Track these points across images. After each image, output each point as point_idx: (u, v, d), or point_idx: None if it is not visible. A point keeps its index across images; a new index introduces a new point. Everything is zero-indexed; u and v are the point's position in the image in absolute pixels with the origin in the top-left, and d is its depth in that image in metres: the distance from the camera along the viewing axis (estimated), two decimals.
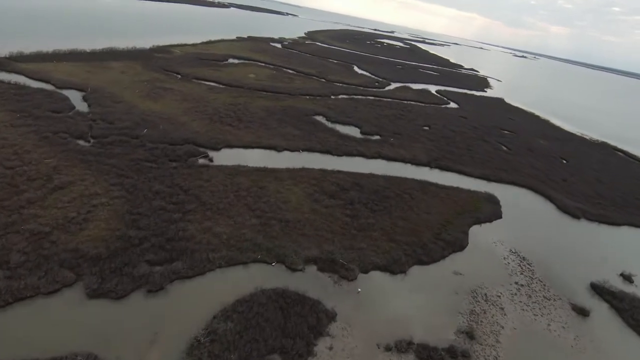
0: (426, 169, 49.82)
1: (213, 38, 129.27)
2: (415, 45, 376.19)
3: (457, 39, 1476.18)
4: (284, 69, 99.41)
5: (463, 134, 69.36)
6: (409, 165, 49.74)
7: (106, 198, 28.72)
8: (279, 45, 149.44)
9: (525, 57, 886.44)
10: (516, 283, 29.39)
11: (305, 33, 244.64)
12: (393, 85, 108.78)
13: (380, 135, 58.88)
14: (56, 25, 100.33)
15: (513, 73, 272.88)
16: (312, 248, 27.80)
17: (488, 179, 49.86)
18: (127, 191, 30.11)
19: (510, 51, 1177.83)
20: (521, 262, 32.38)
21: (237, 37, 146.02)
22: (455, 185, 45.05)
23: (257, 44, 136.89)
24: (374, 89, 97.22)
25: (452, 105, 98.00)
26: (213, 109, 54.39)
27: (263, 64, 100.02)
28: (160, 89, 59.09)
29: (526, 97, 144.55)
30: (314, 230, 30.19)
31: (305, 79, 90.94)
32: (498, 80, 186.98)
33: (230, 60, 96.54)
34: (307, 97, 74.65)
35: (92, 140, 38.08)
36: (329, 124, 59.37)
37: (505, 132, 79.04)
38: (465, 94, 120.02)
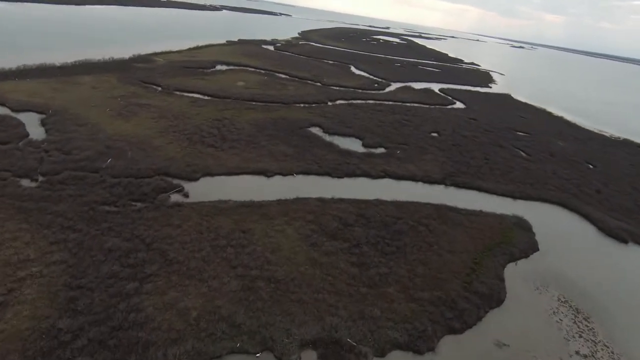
0: (441, 187, 43.13)
1: (201, 43, 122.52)
2: (412, 41, 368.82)
3: (453, 32, 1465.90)
4: (276, 74, 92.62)
5: (475, 139, 62.62)
6: (420, 184, 43.05)
7: (40, 266, 22.09)
8: (271, 48, 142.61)
9: (522, 47, 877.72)
10: (577, 353, 22.74)
11: (299, 33, 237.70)
12: (394, 86, 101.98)
13: (385, 148, 52.18)
14: (26, 36, 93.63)
15: (514, 65, 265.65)
16: (309, 323, 21.15)
17: (513, 196, 43.14)
18: (70, 252, 23.48)
19: (506, 42, 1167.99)
20: (576, 316, 25.71)
21: (227, 41, 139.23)
22: (477, 208, 38.34)
23: (247, 48, 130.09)
24: (374, 92, 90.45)
25: (459, 105, 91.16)
26: (194, 127, 47.74)
27: (253, 69, 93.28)
28: (135, 105, 52.43)
29: (533, 92, 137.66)
30: (312, 292, 23.54)
31: (299, 84, 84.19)
32: (501, 74, 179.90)
33: (218, 67, 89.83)
34: (302, 105, 67.91)
35: (40, 179, 31.43)
36: (327, 137, 52.70)
37: (520, 133, 72.22)
38: (470, 91, 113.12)
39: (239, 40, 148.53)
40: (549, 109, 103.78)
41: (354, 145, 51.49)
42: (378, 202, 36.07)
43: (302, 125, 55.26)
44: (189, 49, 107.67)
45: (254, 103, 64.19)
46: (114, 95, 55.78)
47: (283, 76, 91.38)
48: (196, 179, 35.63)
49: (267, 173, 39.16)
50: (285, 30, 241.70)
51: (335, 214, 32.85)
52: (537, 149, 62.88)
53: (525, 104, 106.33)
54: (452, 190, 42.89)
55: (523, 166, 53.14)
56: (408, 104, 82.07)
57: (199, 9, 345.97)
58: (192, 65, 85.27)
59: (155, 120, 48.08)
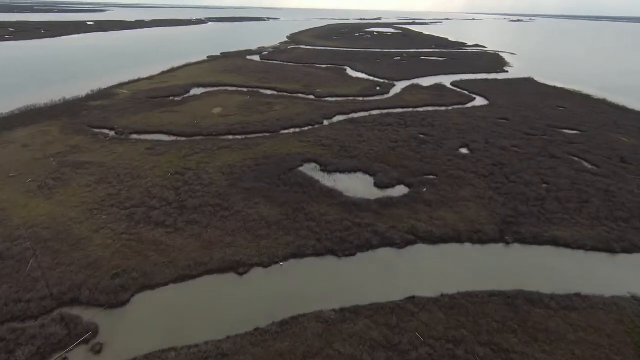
0: (500, 247, 29.54)
1: (179, 63, 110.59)
2: (407, 29, 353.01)
3: (446, 14, 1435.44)
4: (261, 90, 79.48)
5: (519, 151, 48.39)
6: (469, 247, 29.48)
7: None
8: (256, 58, 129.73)
9: (521, 20, 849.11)
10: None
11: (287, 37, 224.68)
12: (399, 86, 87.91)
13: (405, 185, 38.58)
14: None
15: (522, 42, 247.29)
16: None
17: (611, 248, 29.01)
18: None
19: (503, 17, 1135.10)
20: None
21: (208, 57, 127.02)
22: (570, 288, 24.55)
23: (230, 62, 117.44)
24: (377, 97, 76.51)
25: (480, 101, 76.61)
26: (142, 193, 34.96)
27: (235, 88, 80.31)
28: (71, 167, 39.94)
29: (556, 71, 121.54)
30: None
31: (289, 101, 70.93)
32: (512, 54, 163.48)
33: (193, 92, 77.17)
34: (292, 131, 54.69)
35: None
36: (325, 178, 39.43)
37: (568, 131, 57.53)
38: (487, 80, 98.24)
39: (221, 54, 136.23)
40: (585, 90, 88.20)
41: (363, 186, 38.05)
42: (414, 306, 22.64)
43: (291, 165, 42.02)
44: (162, 73, 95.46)
45: (231, 137, 51.17)
46: (48, 154, 43.40)
47: (269, 92, 78.21)
48: (124, 303, 22.71)
49: (240, 267, 26.04)
50: (273, 36, 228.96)
51: (349, 352, 19.59)
52: (602, 154, 48.22)
53: (555, 88, 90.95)
54: (517, 251, 29.14)
55: (598, 187, 38.80)
56: (420, 109, 68.01)
57: (184, 25, 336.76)
58: (161, 94, 72.72)
59: (90, 190, 35.44)
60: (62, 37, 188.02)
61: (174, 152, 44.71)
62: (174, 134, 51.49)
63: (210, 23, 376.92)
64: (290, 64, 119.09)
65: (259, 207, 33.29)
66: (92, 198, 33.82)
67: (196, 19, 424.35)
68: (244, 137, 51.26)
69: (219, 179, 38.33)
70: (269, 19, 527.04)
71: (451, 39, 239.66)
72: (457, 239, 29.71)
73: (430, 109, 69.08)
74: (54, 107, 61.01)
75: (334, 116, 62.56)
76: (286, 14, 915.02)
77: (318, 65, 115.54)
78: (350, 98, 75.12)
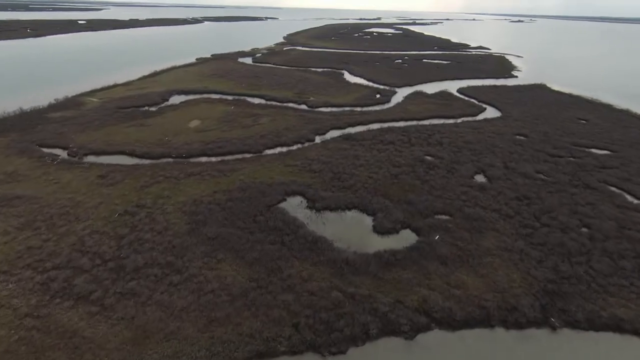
0: (545, 335, 21.92)
1: (164, 66, 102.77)
2: (407, 29, 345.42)
3: (446, 14, 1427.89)
4: (249, 99, 71.60)
5: (545, 178, 40.41)
6: (500, 332, 21.76)
7: None
8: (249, 61, 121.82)
9: (522, 21, 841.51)
10: None
11: (284, 37, 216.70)
12: (400, 93, 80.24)
13: (413, 230, 30.95)
14: None
15: (526, 44, 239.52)
16: None
17: None
18: None
19: (503, 17, 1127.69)
20: None
21: (197, 59, 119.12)
22: None
23: (220, 65, 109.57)
24: (377, 107, 68.73)
25: (491, 112, 68.94)
26: (72, 247, 27.03)
27: (219, 97, 72.42)
28: None
29: (567, 75, 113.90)
30: None
31: (277, 112, 63.09)
32: (518, 57, 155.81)
33: (173, 100, 69.36)
34: (277, 150, 46.98)
35: None
36: (312, 220, 31.46)
37: (597, 151, 49.89)
38: (496, 87, 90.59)
39: (212, 55, 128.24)
40: (603, 98, 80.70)
41: (358, 232, 30.26)
42: None
43: (272, 200, 34.27)
44: (143, 78, 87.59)
45: (204, 160, 43.48)
46: None
47: (257, 101, 70.35)
48: None
49: None
50: (269, 36, 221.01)
51: None
52: None
53: (570, 96, 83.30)
54: (568, 340, 21.49)
55: None
56: (426, 122, 60.29)
57: (179, 24, 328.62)
58: (135, 103, 64.86)
59: (7, 240, 27.52)
60: (47, 37, 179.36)
61: (130, 182, 36.89)
62: (137, 155, 43.61)
63: (206, 22, 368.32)
64: (284, 67, 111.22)
65: (223, 266, 25.55)
66: (5, 253, 26.05)
67: (192, 18, 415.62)
68: (220, 159, 43.40)
69: (178, 221, 30.54)
70: (267, 18, 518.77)
71: (453, 40, 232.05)
72: (486, 321, 22.04)
73: (436, 121, 61.34)
74: (4, 120, 53.09)
75: (328, 131, 54.78)
76: (286, 13, 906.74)
77: (313, 69, 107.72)
78: (347, 108, 67.34)
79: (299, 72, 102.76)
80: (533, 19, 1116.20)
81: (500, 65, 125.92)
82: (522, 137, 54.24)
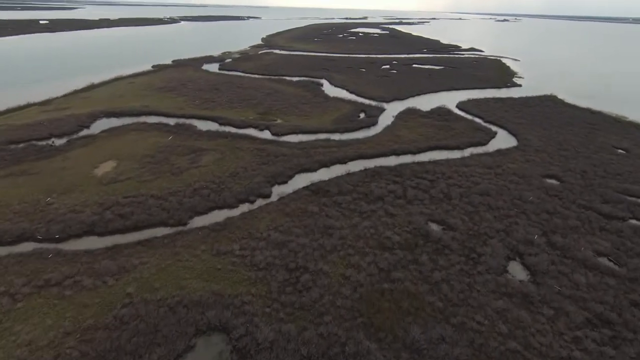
0: None
1: (111, 75, 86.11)
2: (394, 29, 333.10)
3: (432, 14, 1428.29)
4: (197, 122, 55.87)
5: (616, 270, 26.18)
6: None
7: None
8: (215, 67, 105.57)
9: (507, 20, 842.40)
10: None
11: (262, 39, 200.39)
12: (389, 111, 65.81)
13: None
14: None
15: (518, 44, 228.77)
16: None
17: None
18: None
19: (489, 17, 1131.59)
20: None
21: (153, 67, 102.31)
22: None
23: (177, 74, 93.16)
24: (360, 133, 53.70)
25: (503, 137, 54.88)
26: None
27: (159, 119, 56.33)
28: None
29: (575, 84, 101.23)
30: None
31: (229, 144, 47.48)
32: (515, 60, 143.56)
33: (95, 127, 52.97)
34: (210, 218, 31.59)
35: None
36: None
37: None
38: (501, 100, 76.93)
39: (172, 62, 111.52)
40: (631, 115, 67.87)
41: None
42: None
43: (173, 345, 19.30)
44: (73, 93, 70.85)
45: (85, 245, 27.84)
46: None
47: (207, 126, 54.65)
48: None
49: None
50: (246, 38, 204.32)
51: None
52: None
53: (591, 112, 69.89)
54: None
55: None
56: (424, 158, 45.75)
57: (153, 24, 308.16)
58: (37, 133, 48.10)
59: None
60: None
61: None
62: None
63: (182, 22, 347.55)
64: (254, 76, 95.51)
65: None
66: None
67: (169, 18, 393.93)
68: (112, 243, 27.90)
69: None
70: (248, 18, 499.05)
71: (443, 41, 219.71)
72: None
73: (437, 155, 46.92)
74: None
75: (292, 177, 39.84)
76: (271, 12, 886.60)
77: (288, 78, 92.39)
78: (322, 136, 52.39)
79: (270, 82, 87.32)
80: (518, 18, 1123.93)
81: (499, 71, 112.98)
82: (554, 182, 40.33)
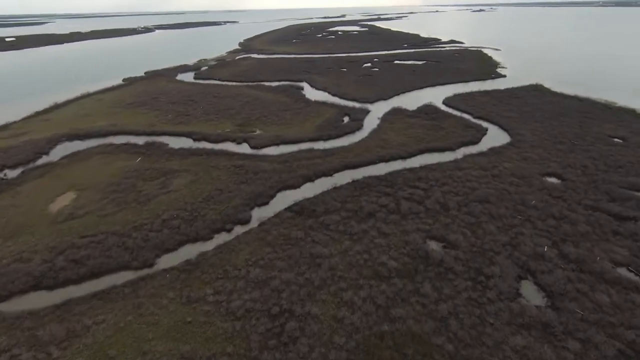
0: None
1: (78, 92, 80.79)
2: (373, 25, 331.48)
3: (410, 8, 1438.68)
4: (170, 139, 51.50)
5: (638, 281, 24.11)
6: None
7: None
8: (190, 77, 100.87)
9: (483, 10, 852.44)
10: None
11: (240, 43, 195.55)
12: (374, 112, 62.64)
13: None
14: None
15: (497, 34, 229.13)
16: None
17: None
18: None
19: (465, 8, 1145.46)
20: None
21: (124, 80, 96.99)
22: None
23: (149, 86, 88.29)
24: (345, 139, 50.09)
25: (495, 133, 52.10)
26: None
27: (126, 139, 51.85)
28: None
29: (558, 71, 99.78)
30: None
31: (203, 163, 43.04)
32: (496, 50, 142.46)
33: (55, 152, 48.17)
34: (180, 256, 27.42)
35: None
36: None
37: None
38: (487, 92, 74.63)
39: (145, 74, 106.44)
40: (619, 100, 66.07)
41: None
42: None
43: None
44: (35, 115, 65.72)
45: (27, 305, 23.31)
46: None
47: (180, 143, 50.36)
48: None
49: None
50: (223, 43, 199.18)
51: None
52: None
53: (580, 99, 67.92)
54: None
55: None
56: (415, 164, 42.58)
57: (127, 35, 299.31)
58: None
59: None
60: None
61: None
62: None
63: (157, 31, 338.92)
64: (231, 83, 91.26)
65: None
66: None
67: (143, 27, 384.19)
68: (62, 299, 23.58)
69: None
70: (225, 22, 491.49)
71: (422, 34, 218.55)
72: None
73: (429, 158, 43.84)
74: None
75: (273, 196, 36.28)
76: (247, 16, 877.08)
77: (267, 84, 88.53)
78: (305, 145, 48.82)
79: (248, 89, 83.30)
80: (493, 7, 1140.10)
81: (482, 63, 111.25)
82: (556, 181, 37.71)
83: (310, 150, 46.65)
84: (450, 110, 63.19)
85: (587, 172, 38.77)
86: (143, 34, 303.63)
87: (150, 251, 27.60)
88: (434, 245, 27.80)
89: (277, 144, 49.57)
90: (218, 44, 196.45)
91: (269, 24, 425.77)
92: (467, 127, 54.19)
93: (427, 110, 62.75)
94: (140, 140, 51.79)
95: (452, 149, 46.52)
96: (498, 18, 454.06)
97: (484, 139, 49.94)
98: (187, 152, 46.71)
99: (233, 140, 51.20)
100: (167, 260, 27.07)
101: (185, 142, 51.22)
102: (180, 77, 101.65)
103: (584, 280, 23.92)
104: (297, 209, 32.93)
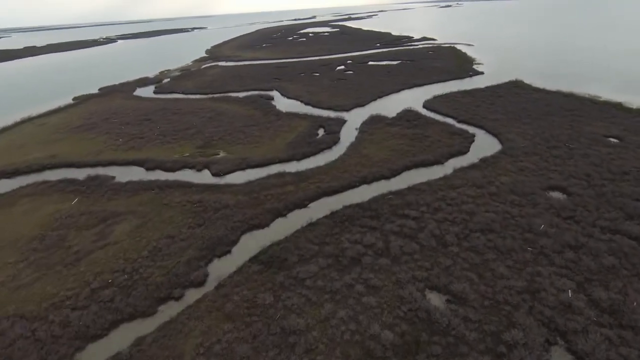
0: None
1: (20, 115, 71.41)
2: (345, 26, 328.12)
3: (379, 6, 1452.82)
4: (116, 170, 44.01)
5: None
6: None
7: None
8: (149, 92, 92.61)
9: (450, 5, 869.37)
10: None
11: (207, 51, 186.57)
12: (351, 122, 57.01)
13: None
14: None
15: (467, 29, 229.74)
16: None
17: None
18: None
19: (432, 4, 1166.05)
20: None
21: (74, 99, 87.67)
22: None
23: (102, 105, 79.59)
24: (320, 157, 43.86)
25: (484, 139, 47.32)
26: None
27: (65, 171, 43.62)
28: None
29: (535, 64, 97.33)
30: None
31: (152, 203, 36.10)
32: (469, 45, 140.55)
33: None
34: (109, 348, 20.62)
35: None
36: None
37: None
38: (467, 92, 70.52)
39: (99, 90, 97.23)
40: (605, 94, 63.29)
41: None
42: None
43: None
44: None
45: None
46: None
47: (129, 175, 43.04)
48: None
49: None
50: (189, 51, 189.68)
51: None
52: None
53: (565, 95, 64.92)
54: None
55: None
56: (402, 184, 37.07)
57: (87, 47, 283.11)
58: None
59: None
60: None
61: None
62: None
63: (120, 42, 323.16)
64: (195, 96, 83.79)
65: None
66: None
67: (105, 38, 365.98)
68: None
69: None
70: (193, 29, 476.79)
71: (394, 32, 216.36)
72: None
73: (417, 177, 38.48)
74: None
75: (236, 242, 29.95)
76: (216, 21, 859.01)
77: (234, 95, 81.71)
78: (275, 168, 42.66)
79: (213, 102, 76.29)
80: (459, 3, 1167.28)
81: (458, 60, 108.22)
82: (561, 196, 33.21)
83: (281, 175, 40.53)
84: (432, 115, 58.59)
85: (593, 182, 34.58)
86: (104, 46, 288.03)
87: (69, 343, 20.79)
88: (435, 300, 22.37)
89: (243, 169, 43.20)
90: (184, 53, 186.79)
91: (239, 28, 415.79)
92: (452, 134, 49.53)
93: (408, 116, 57.89)
94: (82, 173, 44.10)
95: (440, 162, 41.59)
96: (465, 13, 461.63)
97: (473, 147, 45.31)
98: (135, 187, 39.59)
99: (192, 167, 44.43)
100: (90, 354, 20.41)
101: (136, 173, 44.05)
102: (139, 92, 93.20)
103: (627, 341, 19.00)
104: (266, 259, 26.82)
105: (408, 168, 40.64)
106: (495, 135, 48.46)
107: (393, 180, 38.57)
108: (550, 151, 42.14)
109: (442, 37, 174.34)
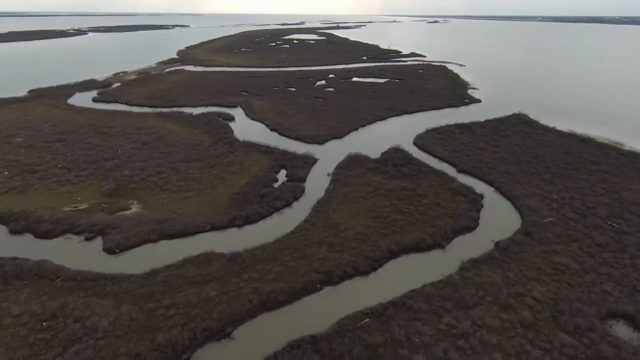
0: None
1: None
2: (332, 34, 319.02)
3: (368, 17, 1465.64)
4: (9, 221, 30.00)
5: None
6: None
7: None
8: (87, 99, 76.46)
9: (437, 21, 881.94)
10: None
11: (178, 52, 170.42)
12: (322, 162, 43.94)
13: None
14: None
15: (456, 47, 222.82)
16: None
17: None
18: None
19: (420, 19, 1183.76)
20: None
21: None
22: None
23: (16, 116, 62.58)
24: (273, 224, 29.73)
25: (496, 209, 34.99)
26: None
27: None
28: None
29: (540, 95, 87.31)
30: None
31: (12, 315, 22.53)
32: (460, 65, 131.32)
33: None
34: None
35: None
36: None
37: None
38: (465, 126, 58.70)
39: (28, 92, 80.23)
40: (623, 140, 53.85)
41: None
42: None
43: None
44: None
45: None
46: None
47: (23, 233, 29.13)
48: None
49: None
50: (159, 51, 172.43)
51: None
52: None
53: (580, 139, 53.95)
54: None
55: None
56: (384, 290, 23.32)
57: (52, 37, 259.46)
58: None
59: None
60: None
61: None
62: None
63: (90, 34, 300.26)
64: (139, 109, 68.49)
65: None
66: None
67: (76, 30, 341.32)
68: None
69: None
70: (174, 26, 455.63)
71: (382, 45, 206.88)
72: None
73: (407, 273, 25.73)
74: None
75: None
76: (202, 20, 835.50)
77: (188, 111, 67.26)
78: (202, 242, 28.58)
79: (158, 119, 61.71)
80: (446, 19, 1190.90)
81: (451, 82, 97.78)
82: (631, 332, 21.35)
83: (206, 259, 26.74)
84: (425, 158, 46.44)
85: None
86: (71, 38, 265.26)
87: None
88: None
89: (155, 240, 29.35)
90: (152, 52, 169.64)
91: (223, 29, 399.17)
92: (454, 192, 37.43)
93: (396, 158, 45.51)
94: None
95: (440, 245, 29.12)
96: (452, 30, 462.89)
97: (483, 217, 33.26)
98: (16, 278, 25.06)
99: (80, 233, 30.03)
100: None
101: (9, 255, 29.37)
102: (76, 98, 77.07)
103: None
104: None
105: (394, 255, 27.89)
106: (509, 198, 36.59)
107: (372, 277, 25.87)
108: (591, 233, 30.47)
109: (432, 54, 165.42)
